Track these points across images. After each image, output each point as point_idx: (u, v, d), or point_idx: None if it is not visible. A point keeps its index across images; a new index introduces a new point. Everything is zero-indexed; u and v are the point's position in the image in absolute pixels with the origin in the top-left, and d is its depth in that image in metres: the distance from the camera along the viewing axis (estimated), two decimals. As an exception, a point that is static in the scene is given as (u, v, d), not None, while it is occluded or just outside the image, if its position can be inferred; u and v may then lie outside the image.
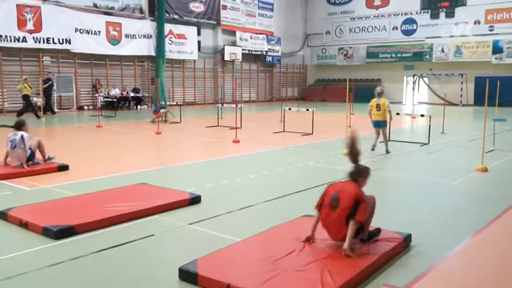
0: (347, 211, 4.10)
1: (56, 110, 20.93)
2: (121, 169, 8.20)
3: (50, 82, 20.10)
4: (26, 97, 17.45)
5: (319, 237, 4.44)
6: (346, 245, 4.02)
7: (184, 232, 4.94)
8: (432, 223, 5.36)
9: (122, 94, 23.16)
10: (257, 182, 7.49)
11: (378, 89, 10.28)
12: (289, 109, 15.16)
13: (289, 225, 4.94)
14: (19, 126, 7.95)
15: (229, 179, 7.49)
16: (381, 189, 7.00)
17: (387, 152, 10.15)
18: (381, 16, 32.77)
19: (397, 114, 13.47)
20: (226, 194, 6.60)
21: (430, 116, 12.74)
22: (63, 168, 7.96)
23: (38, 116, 17.43)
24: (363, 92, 30.32)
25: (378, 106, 10.10)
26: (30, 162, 7.76)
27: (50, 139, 12.80)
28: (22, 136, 7.71)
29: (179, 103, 20.18)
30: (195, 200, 5.93)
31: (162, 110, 16.98)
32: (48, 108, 19.79)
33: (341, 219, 4.11)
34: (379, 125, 10.20)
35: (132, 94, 23.64)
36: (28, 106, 17.55)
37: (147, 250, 4.45)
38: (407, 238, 4.55)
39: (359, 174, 4.41)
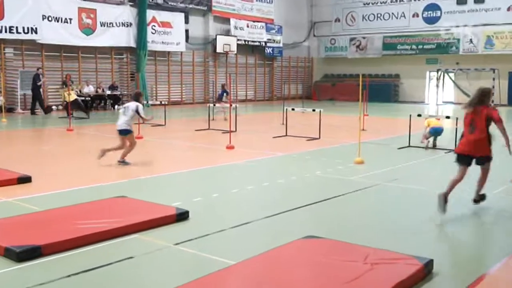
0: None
1: (19, 110, 20.95)
2: (96, 180, 8.19)
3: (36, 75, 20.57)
4: None
5: (324, 261, 4.46)
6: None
7: (169, 253, 4.94)
8: (458, 245, 5.37)
9: (97, 92, 23.19)
10: (254, 195, 7.49)
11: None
12: (292, 109, 15.20)
13: (292, 246, 4.94)
14: None
15: (222, 192, 7.49)
16: (397, 205, 7.02)
17: (434, 146, 12.18)
18: (400, 1, 32.94)
19: (419, 115, 13.53)
20: (218, 210, 6.61)
21: (457, 118, 12.72)
22: (24, 180, 7.84)
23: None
24: (379, 90, 30.52)
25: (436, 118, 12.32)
26: None
27: (9, 145, 12.80)
28: None
29: (163, 102, 20.20)
30: (182, 216, 5.94)
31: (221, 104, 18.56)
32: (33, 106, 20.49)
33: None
34: (439, 131, 12.04)
35: (108, 92, 23.68)
36: None
37: (125, 275, 4.45)
38: (428, 264, 4.55)
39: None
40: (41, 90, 20.94)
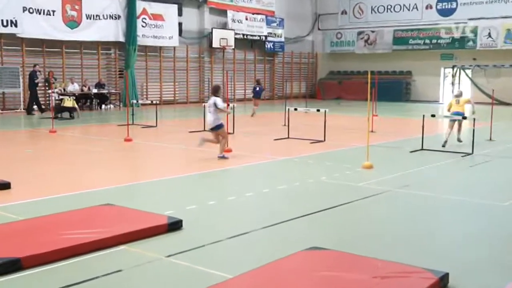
0: None
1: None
2: (80, 186, 8.18)
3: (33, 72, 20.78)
4: None
5: (329, 275, 4.45)
6: None
7: (160, 266, 4.94)
8: (476, 257, 5.37)
9: (82, 90, 23.18)
10: (253, 203, 7.49)
11: (456, 92, 13.96)
12: (295, 109, 15.20)
13: (294, 259, 4.94)
14: None
15: (218, 199, 7.49)
16: (409, 214, 7.02)
17: (459, 140, 13.13)
18: (412, -9, 33.02)
19: (433, 116, 13.56)
20: (214, 218, 6.61)
21: (474, 119, 12.79)
22: (2, 186, 7.84)
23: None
24: (389, 88, 30.52)
25: (457, 101, 13.20)
26: None
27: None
28: None
29: (154, 102, 20.21)
30: (174, 225, 5.94)
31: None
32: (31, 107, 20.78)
33: None
34: (460, 114, 12.93)
35: (95, 91, 23.68)
36: None
37: (113, 290, 4.45)
38: (443, 278, 4.56)
39: None
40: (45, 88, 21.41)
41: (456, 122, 13.09)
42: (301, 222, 6.45)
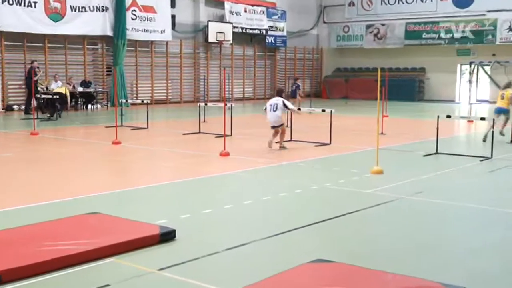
0: None
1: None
2: (65, 193, 8.17)
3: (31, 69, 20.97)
4: None
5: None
6: None
7: (152, 281, 4.93)
8: (497, 270, 5.37)
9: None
10: (253, 211, 7.49)
11: (505, 83, 14.90)
12: (298, 109, 15.20)
13: (298, 272, 4.94)
14: None
15: (215, 207, 7.49)
16: (422, 223, 7.03)
17: (501, 134, 14.05)
18: (425, -19, 33.07)
19: (448, 117, 13.57)
20: (210, 228, 6.61)
21: (493, 120, 12.81)
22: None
23: None
24: (401, 87, 30.56)
25: (502, 95, 14.23)
26: None
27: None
28: None
29: (145, 101, 20.21)
30: (167, 236, 5.94)
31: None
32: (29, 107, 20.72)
33: None
34: (502, 111, 14.02)
35: (80, 89, 23.71)
36: None
37: (99, 306, 4.45)
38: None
39: None
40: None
41: (502, 117, 14.05)
42: (304, 232, 6.45)
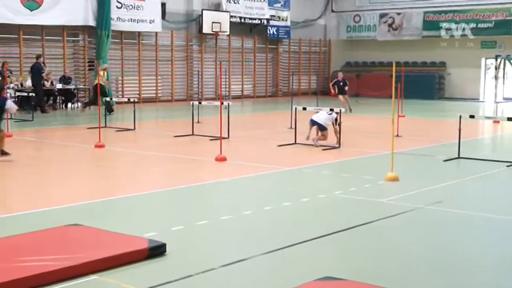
0: None
1: None
2: (42, 203, 8.17)
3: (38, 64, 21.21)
4: None
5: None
6: None
7: (140, 300, 4.95)
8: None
9: (44, 85, 23.21)
10: (253, 223, 7.50)
11: None
12: (304, 109, 15.18)
13: (302, 290, 4.95)
14: None
15: (210, 218, 7.49)
16: (442, 236, 7.03)
17: None
18: (446, -35, 33.12)
19: (471, 117, 13.55)
20: (205, 242, 6.62)
21: (517, 120, 12.81)
22: None
23: None
24: (418, 83, 30.53)
25: None
26: None
27: None
28: None
29: (132, 99, 20.21)
30: (156, 250, 5.94)
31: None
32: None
33: None
34: None
35: (59, 86, 23.69)
36: None
37: (81, 329, 4.46)
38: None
39: None
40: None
41: None
42: (311, 246, 6.45)
